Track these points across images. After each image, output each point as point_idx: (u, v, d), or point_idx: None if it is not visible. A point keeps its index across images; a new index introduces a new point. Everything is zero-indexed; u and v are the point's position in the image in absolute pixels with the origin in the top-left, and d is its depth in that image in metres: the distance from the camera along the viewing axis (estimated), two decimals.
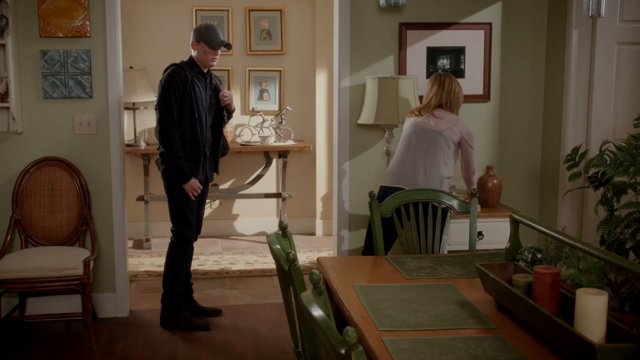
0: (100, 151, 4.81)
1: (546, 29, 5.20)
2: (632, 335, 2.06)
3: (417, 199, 3.84)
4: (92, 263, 4.47)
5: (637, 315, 2.18)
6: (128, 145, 6.62)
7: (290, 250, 2.47)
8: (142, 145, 6.75)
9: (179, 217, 4.64)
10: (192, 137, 4.50)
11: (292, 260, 2.40)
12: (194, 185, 4.54)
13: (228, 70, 7.17)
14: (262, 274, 5.97)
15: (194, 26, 5.83)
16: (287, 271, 2.44)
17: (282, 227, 2.88)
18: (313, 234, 7.41)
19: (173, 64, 4.57)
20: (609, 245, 3.83)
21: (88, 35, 4.67)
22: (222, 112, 4.75)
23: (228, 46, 4.54)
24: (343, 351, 1.63)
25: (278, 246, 2.62)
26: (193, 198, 4.59)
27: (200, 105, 4.54)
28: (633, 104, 4.88)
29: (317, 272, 2.15)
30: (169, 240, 4.75)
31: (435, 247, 3.79)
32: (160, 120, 4.48)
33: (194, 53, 4.56)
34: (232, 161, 7.26)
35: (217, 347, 4.42)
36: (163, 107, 4.46)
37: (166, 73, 4.52)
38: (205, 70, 4.62)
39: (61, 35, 4.64)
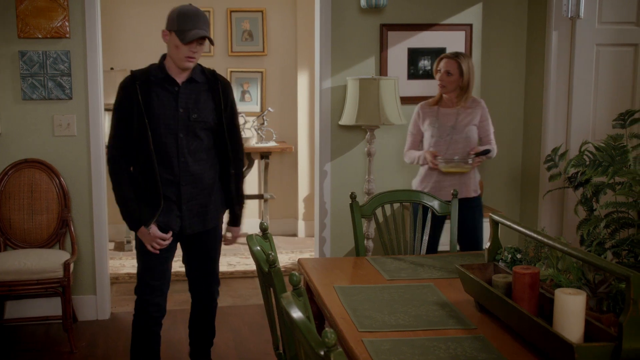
0: (80, 153, 4.78)
1: (526, 30, 5.23)
2: (609, 335, 2.07)
3: (398, 199, 3.84)
4: (72, 265, 4.44)
5: (615, 315, 2.19)
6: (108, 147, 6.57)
7: (270, 252, 2.46)
8: None
9: (138, 273, 3.52)
10: (144, 169, 3.35)
11: (272, 262, 2.39)
12: (146, 236, 3.35)
13: None
14: (244, 275, 5.95)
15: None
16: (267, 273, 2.43)
17: (263, 229, 2.87)
18: (295, 235, 7.40)
19: (134, 71, 3.47)
20: (588, 245, 3.85)
21: (67, 36, 4.64)
22: (233, 134, 3.54)
23: (203, 40, 3.31)
24: (322, 353, 1.62)
25: (258, 248, 2.62)
26: (153, 250, 3.38)
27: (162, 125, 3.32)
28: (612, 104, 4.91)
29: (297, 273, 2.15)
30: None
31: (417, 248, 3.80)
32: (108, 146, 3.46)
33: (168, 50, 3.40)
34: None
35: None
36: (111, 128, 3.45)
37: (120, 85, 3.46)
38: (186, 74, 3.39)
39: (40, 36, 4.60)
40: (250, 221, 7.30)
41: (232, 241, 3.70)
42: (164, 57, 3.43)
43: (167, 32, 3.35)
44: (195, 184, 3.41)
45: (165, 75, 3.37)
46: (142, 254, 3.43)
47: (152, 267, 3.43)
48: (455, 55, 4.24)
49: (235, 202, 3.56)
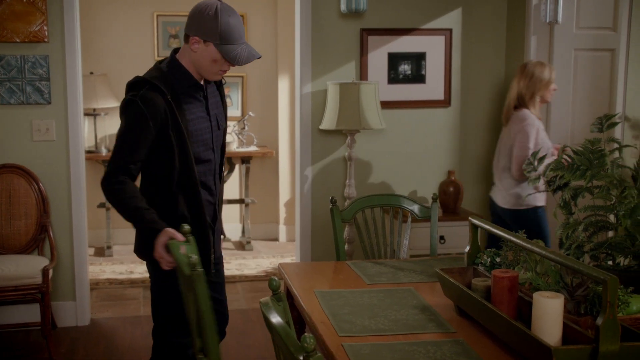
0: (59, 158, 4.74)
1: (505, 34, 5.26)
2: (587, 337, 2.09)
3: (378, 203, 3.85)
4: (51, 271, 4.40)
5: (592, 317, 2.21)
6: (89, 152, 6.55)
7: (191, 255, 2.39)
8: (104, 151, 6.67)
9: (163, 311, 2.91)
10: (188, 197, 2.83)
11: (193, 265, 2.33)
12: (172, 235, 2.67)
13: None
14: (225, 280, 5.92)
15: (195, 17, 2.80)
16: (189, 276, 2.37)
17: (184, 232, 2.67)
18: (276, 239, 7.39)
19: (140, 79, 2.74)
20: (567, 248, 3.88)
21: (46, 40, 4.60)
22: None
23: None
24: (301, 357, 1.62)
25: (182, 251, 2.53)
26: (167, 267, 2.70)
27: (200, 141, 2.84)
28: (590, 109, 4.96)
29: (276, 278, 2.15)
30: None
31: (397, 252, 3.81)
32: (109, 165, 2.74)
33: (188, 54, 2.79)
34: None
35: None
36: (116, 149, 2.74)
37: (127, 97, 2.74)
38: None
39: (18, 40, 4.57)
40: (232, 226, 7.28)
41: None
42: (174, 62, 2.82)
43: (200, 41, 2.74)
44: (220, 201, 3.08)
45: (193, 83, 2.83)
46: (171, 287, 2.72)
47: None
48: None
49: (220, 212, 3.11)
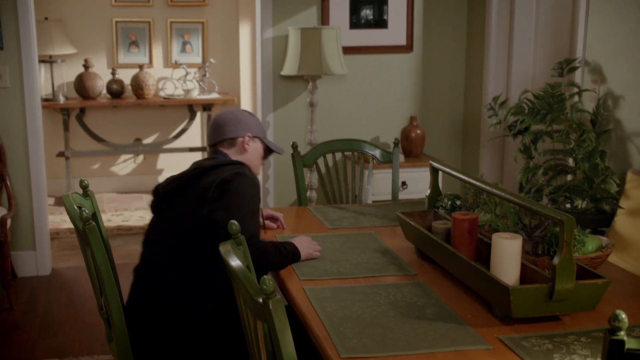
0: (14, 106, 4.63)
1: None
2: (544, 277, 2.12)
3: (340, 148, 3.83)
4: (9, 221, 4.33)
5: (549, 257, 2.24)
6: (46, 100, 6.41)
7: (84, 209, 2.32)
8: (61, 99, 6.52)
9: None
10: None
11: (86, 219, 2.28)
12: (306, 243, 2.71)
13: (149, 22, 6.98)
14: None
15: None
16: (82, 230, 2.32)
17: (83, 186, 2.66)
18: None
19: (239, 168, 2.63)
20: (527, 192, 3.92)
21: None
22: None
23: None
24: (261, 300, 1.62)
25: (75, 207, 2.45)
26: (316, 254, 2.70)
27: None
28: (551, 53, 4.96)
29: (235, 222, 2.13)
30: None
31: (359, 197, 3.82)
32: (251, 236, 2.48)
33: (243, 155, 2.77)
34: (156, 115, 7.11)
35: None
36: (248, 215, 2.52)
37: (240, 174, 2.56)
38: None
39: None
40: None
41: None
42: (236, 163, 2.68)
43: (251, 138, 2.79)
44: None
45: None
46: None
47: None
48: None
49: None
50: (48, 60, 6.52)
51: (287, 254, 2.58)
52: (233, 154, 2.77)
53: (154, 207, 2.64)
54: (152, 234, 2.63)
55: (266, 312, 1.60)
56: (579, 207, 3.78)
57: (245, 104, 7.09)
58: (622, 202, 3.55)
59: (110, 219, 6.15)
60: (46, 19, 6.49)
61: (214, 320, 2.43)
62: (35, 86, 4.65)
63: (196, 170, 2.63)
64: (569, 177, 3.99)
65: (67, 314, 4.21)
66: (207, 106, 6.95)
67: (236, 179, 2.52)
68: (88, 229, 2.27)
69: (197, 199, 2.51)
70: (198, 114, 7.17)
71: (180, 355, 2.37)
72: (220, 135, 2.77)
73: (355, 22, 5.03)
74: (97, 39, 6.92)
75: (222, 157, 2.75)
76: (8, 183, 4.61)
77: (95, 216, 2.59)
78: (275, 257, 2.54)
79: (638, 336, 1.97)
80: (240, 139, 2.76)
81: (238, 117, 2.80)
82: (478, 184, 2.42)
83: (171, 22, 7.03)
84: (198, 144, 7.24)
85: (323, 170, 4.54)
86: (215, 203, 2.47)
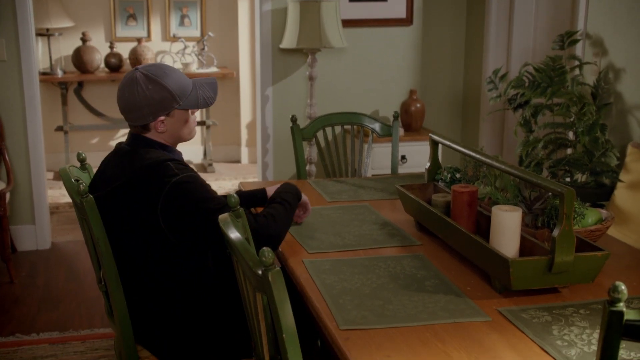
0: (11, 79, 4.60)
1: None
2: (543, 249, 2.12)
3: (339, 122, 3.82)
4: (8, 195, 4.33)
5: (549, 230, 2.24)
6: (43, 74, 6.37)
7: (82, 181, 2.29)
8: (59, 73, 6.49)
9: None
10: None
11: (84, 192, 2.25)
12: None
13: None
14: None
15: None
16: (80, 204, 2.30)
17: (81, 160, 2.64)
18: (238, 161, 7.35)
19: (164, 159, 2.33)
20: (527, 165, 3.91)
21: None
22: None
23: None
24: (260, 272, 1.62)
25: (73, 180, 2.43)
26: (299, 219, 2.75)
27: None
28: (552, 26, 4.93)
29: (234, 195, 2.13)
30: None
31: (358, 171, 3.81)
32: (214, 211, 2.27)
33: (157, 137, 2.40)
34: None
35: None
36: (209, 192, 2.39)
37: (175, 183, 2.31)
38: None
39: None
40: (193, 148, 7.21)
41: None
42: (158, 145, 2.43)
43: (164, 117, 2.38)
44: None
45: None
46: None
47: None
48: None
49: None
50: (45, 34, 6.47)
51: (291, 202, 2.50)
52: (153, 136, 2.40)
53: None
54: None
55: (265, 284, 1.60)
56: (579, 180, 3.77)
57: (245, 77, 7.06)
58: (622, 176, 3.54)
59: None
60: None
61: (212, 293, 2.43)
62: (33, 59, 4.62)
63: (123, 175, 2.33)
64: (569, 151, 3.98)
65: (67, 287, 4.22)
66: None
67: (175, 189, 2.28)
68: (85, 202, 2.26)
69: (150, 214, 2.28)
70: None
71: (179, 327, 2.38)
72: (129, 119, 2.40)
73: None
74: (94, 12, 6.87)
75: (141, 146, 2.39)
76: (7, 157, 4.59)
77: None
78: (281, 217, 2.38)
79: (637, 307, 1.97)
80: (152, 123, 2.38)
81: (138, 103, 2.33)
82: (478, 156, 2.40)
83: None
84: (197, 119, 7.20)
85: (322, 143, 4.53)
86: (180, 220, 2.28)
